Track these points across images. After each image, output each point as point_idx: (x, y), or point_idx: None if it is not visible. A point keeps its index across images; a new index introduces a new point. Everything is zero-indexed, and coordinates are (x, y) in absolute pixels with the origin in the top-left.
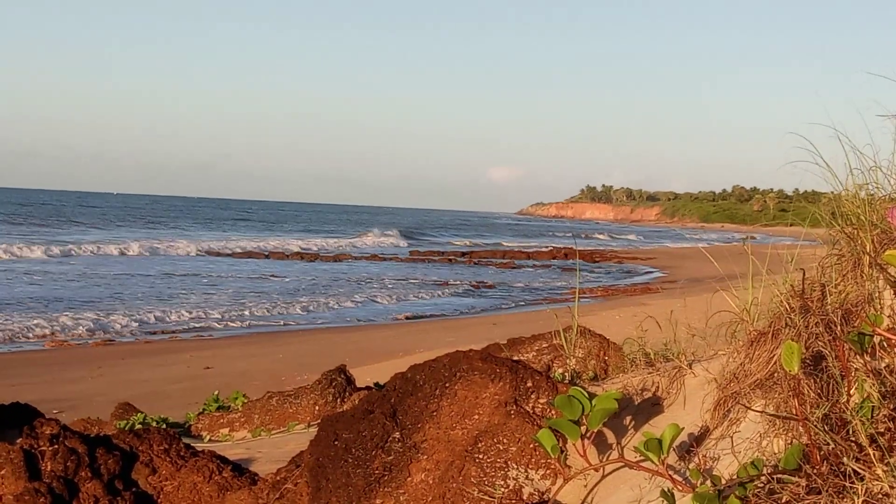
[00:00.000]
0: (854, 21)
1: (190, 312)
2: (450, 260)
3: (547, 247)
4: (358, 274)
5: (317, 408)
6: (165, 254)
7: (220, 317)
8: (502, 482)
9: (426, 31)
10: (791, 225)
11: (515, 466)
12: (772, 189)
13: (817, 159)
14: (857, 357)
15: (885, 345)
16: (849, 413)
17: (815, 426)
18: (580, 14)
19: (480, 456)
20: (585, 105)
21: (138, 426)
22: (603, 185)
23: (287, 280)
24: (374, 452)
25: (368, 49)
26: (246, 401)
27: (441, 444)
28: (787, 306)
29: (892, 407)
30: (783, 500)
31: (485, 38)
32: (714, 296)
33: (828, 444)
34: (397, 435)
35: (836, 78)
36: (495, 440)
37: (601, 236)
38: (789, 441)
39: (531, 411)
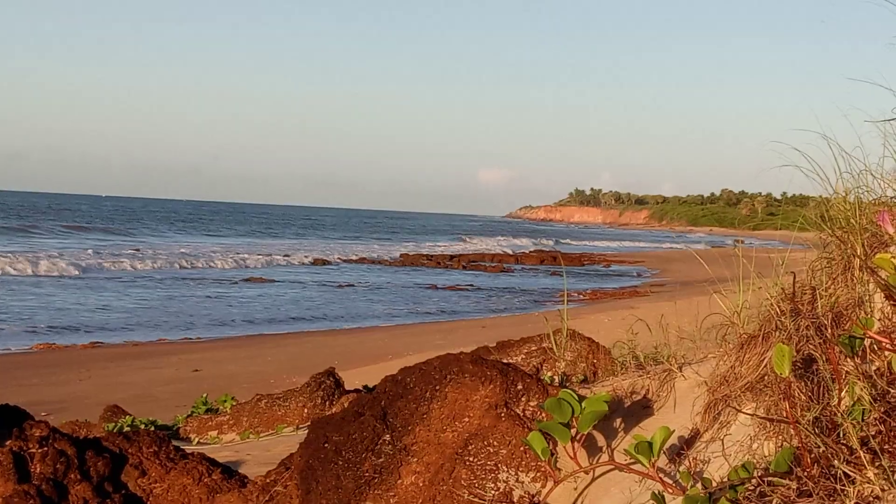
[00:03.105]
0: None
1: None
2: (438, 264)
3: (535, 251)
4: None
5: (305, 411)
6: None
7: None
8: (492, 485)
9: (417, 35)
10: (779, 229)
11: (506, 469)
12: (760, 193)
13: (806, 163)
14: (848, 360)
15: (876, 348)
16: (839, 416)
17: (806, 429)
18: (570, 19)
19: (471, 458)
20: (575, 108)
21: (127, 429)
22: (592, 189)
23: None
24: (364, 455)
25: (360, 51)
26: (234, 403)
27: (431, 446)
28: (778, 309)
29: (882, 410)
30: (774, 503)
31: (475, 42)
32: (704, 299)
33: (819, 446)
34: (388, 437)
35: (823, 82)
36: (486, 443)
37: (589, 241)
38: (780, 444)
39: (521, 414)
